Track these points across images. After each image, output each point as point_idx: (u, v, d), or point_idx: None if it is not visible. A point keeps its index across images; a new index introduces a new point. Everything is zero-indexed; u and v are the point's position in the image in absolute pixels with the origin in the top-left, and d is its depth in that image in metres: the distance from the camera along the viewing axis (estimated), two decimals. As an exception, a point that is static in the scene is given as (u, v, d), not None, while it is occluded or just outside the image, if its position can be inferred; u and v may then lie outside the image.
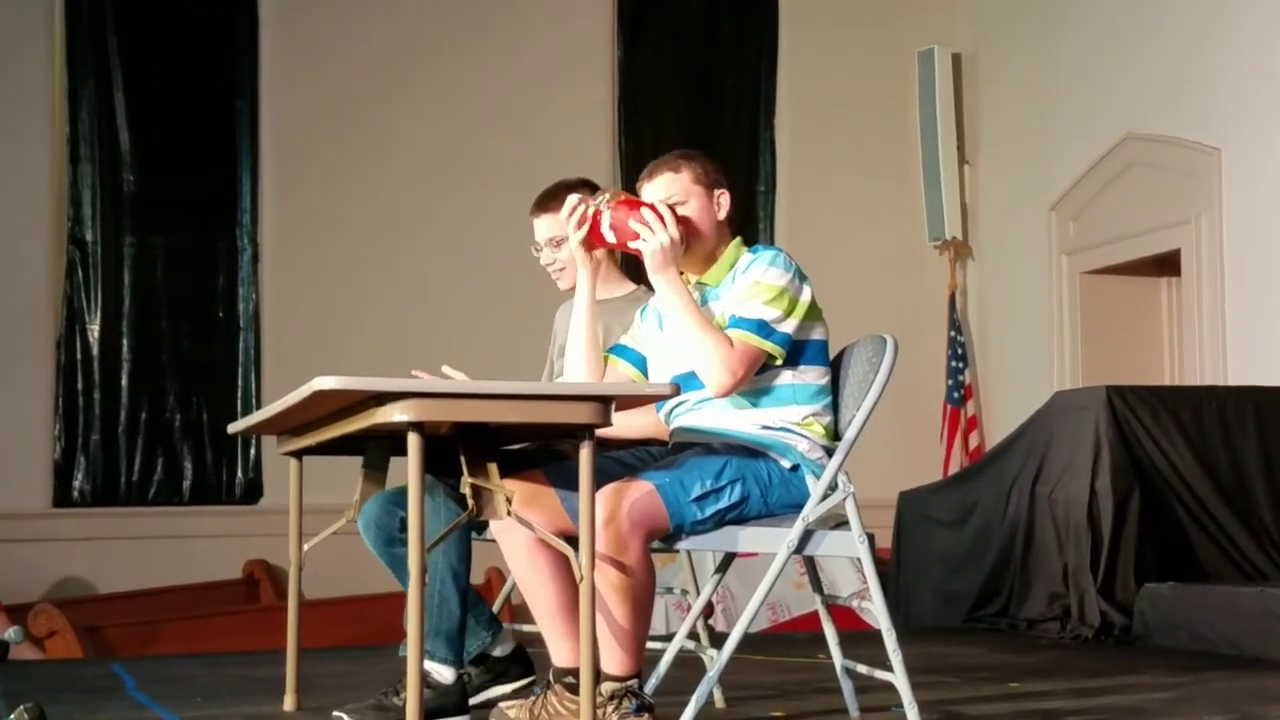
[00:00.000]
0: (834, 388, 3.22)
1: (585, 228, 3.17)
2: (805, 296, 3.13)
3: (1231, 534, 5.69)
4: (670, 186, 3.22)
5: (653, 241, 3.10)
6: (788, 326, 3.09)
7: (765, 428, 3.11)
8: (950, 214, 8.95)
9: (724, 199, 3.26)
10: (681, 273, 3.20)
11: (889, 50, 9.10)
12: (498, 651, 3.63)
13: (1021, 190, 8.70)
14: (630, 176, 8.57)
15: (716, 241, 3.25)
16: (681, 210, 3.19)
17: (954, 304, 9.02)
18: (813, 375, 3.16)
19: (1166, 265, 7.91)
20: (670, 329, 3.19)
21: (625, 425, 3.24)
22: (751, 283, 3.11)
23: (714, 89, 8.97)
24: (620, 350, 3.36)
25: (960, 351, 8.91)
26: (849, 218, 8.91)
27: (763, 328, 3.07)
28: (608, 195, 3.20)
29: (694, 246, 3.21)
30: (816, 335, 3.18)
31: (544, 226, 3.72)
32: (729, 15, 9.03)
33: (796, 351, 3.13)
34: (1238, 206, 7.20)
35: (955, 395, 8.85)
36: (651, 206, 3.15)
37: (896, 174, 9.09)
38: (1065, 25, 8.38)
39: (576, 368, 3.28)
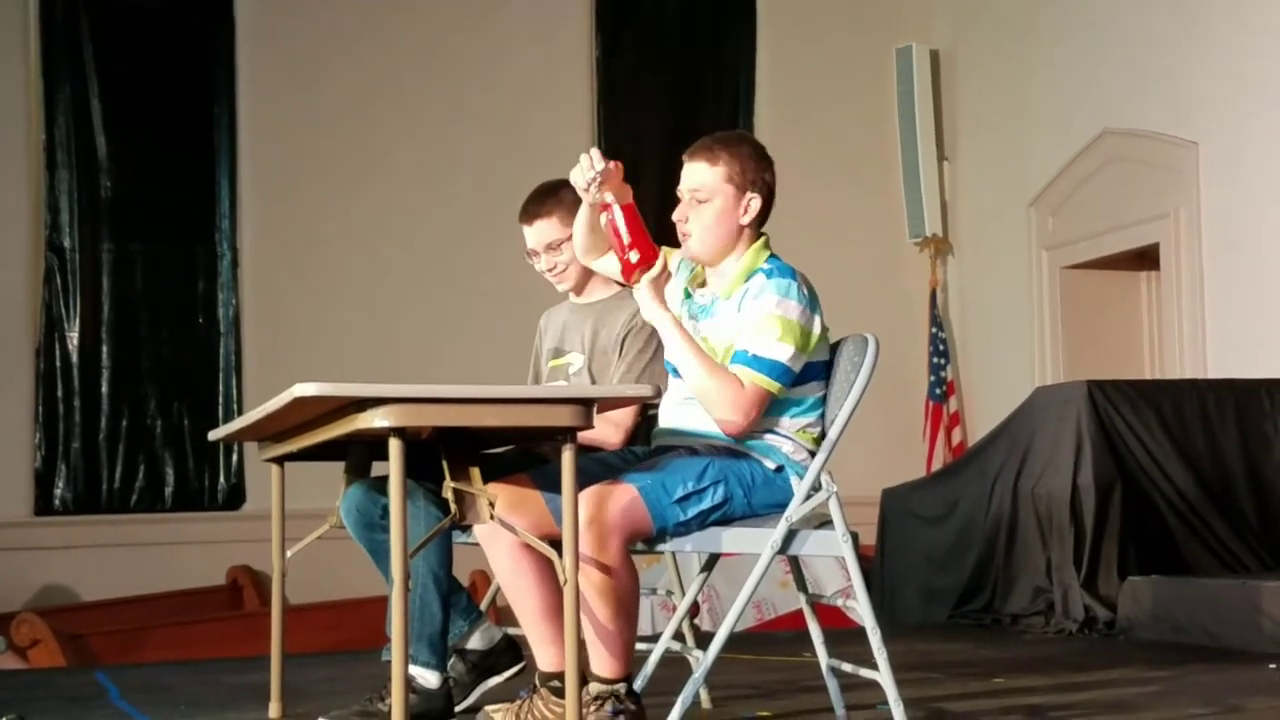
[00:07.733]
0: (820, 390, 3.18)
1: (592, 196, 3.10)
2: (816, 328, 3.08)
3: (1213, 526, 5.71)
4: (699, 178, 3.15)
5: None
6: (796, 364, 3.04)
7: (747, 429, 3.09)
8: (930, 211, 8.96)
9: (754, 203, 3.18)
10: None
11: (867, 48, 9.11)
12: (479, 643, 3.56)
13: (1001, 186, 8.71)
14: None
15: (733, 244, 3.17)
16: (704, 207, 3.13)
17: (935, 300, 9.03)
18: (808, 389, 3.12)
19: (1146, 259, 7.93)
20: (671, 357, 3.14)
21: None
22: (764, 315, 3.03)
23: (693, 88, 8.97)
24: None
25: (942, 348, 8.92)
26: (829, 215, 8.90)
27: (774, 368, 3.01)
28: (612, 192, 3.09)
29: (706, 244, 3.15)
30: (818, 357, 3.12)
31: (536, 233, 3.66)
32: (708, 15, 9.03)
33: (798, 376, 3.08)
34: (1216, 200, 7.22)
35: (937, 392, 8.86)
36: (643, 250, 3.08)
37: (876, 171, 9.10)
38: (1042, 21, 8.40)
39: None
